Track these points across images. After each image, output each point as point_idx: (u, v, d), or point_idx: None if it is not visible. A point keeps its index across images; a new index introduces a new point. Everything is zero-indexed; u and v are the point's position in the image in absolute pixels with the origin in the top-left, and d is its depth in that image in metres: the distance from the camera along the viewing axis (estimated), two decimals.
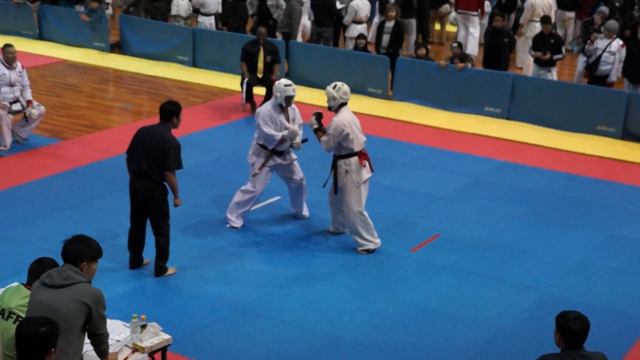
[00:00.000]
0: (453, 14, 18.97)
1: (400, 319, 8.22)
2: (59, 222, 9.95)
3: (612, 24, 14.55)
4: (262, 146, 9.83)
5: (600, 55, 14.37)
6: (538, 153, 13.05)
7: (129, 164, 8.65)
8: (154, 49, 17.51)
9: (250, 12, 17.87)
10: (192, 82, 16.20)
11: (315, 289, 8.74)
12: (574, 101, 14.09)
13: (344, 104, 9.37)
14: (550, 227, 10.35)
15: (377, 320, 8.18)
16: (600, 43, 14.43)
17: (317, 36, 16.94)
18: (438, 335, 7.95)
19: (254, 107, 14.34)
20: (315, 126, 9.61)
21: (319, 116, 9.68)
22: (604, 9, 16.14)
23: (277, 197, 10.80)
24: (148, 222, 8.73)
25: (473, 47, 17.85)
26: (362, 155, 9.38)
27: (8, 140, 12.11)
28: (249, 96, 14.45)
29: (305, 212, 10.32)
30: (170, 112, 8.54)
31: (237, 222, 9.98)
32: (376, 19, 18.70)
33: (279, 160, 9.93)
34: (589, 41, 14.70)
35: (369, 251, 9.49)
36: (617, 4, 16.83)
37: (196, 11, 17.78)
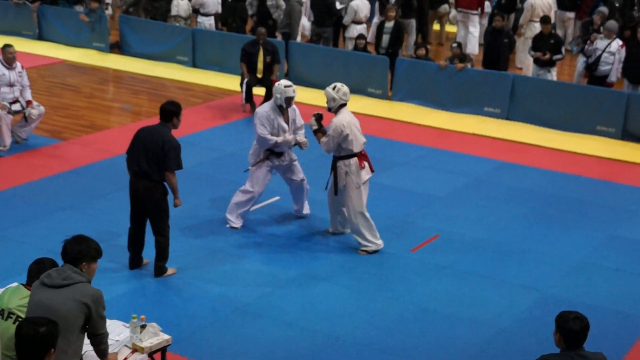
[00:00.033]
0: (453, 12, 18.97)
1: (400, 319, 8.22)
2: (58, 222, 9.95)
3: (612, 24, 14.56)
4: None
5: (600, 56, 14.38)
6: (538, 153, 13.05)
7: (129, 164, 8.65)
8: (154, 49, 17.51)
9: (250, 12, 17.87)
10: (192, 83, 16.19)
11: (315, 289, 8.73)
12: (574, 101, 14.09)
13: (344, 105, 9.36)
14: (550, 227, 10.35)
15: (377, 320, 8.18)
16: (600, 43, 14.44)
17: (317, 36, 16.94)
18: (438, 336, 7.95)
19: (253, 108, 14.34)
20: (315, 127, 9.61)
21: (318, 117, 9.68)
22: (604, 9, 16.14)
23: (277, 197, 10.80)
24: (148, 223, 8.73)
25: (473, 46, 17.85)
26: (361, 156, 9.38)
27: (8, 140, 12.10)
28: (249, 96, 14.45)
29: (306, 210, 10.32)
30: (170, 112, 8.54)
31: (237, 223, 9.98)
32: (375, 19, 18.69)
33: (277, 161, 9.93)
34: (588, 41, 14.70)
35: (369, 252, 9.49)
36: (617, 4, 16.84)
37: (196, 11, 17.77)
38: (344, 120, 9.24)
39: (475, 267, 9.29)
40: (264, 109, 9.82)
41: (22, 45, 16.59)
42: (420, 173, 12.04)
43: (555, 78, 15.01)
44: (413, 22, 18.05)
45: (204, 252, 9.43)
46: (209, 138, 13.13)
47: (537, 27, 16.13)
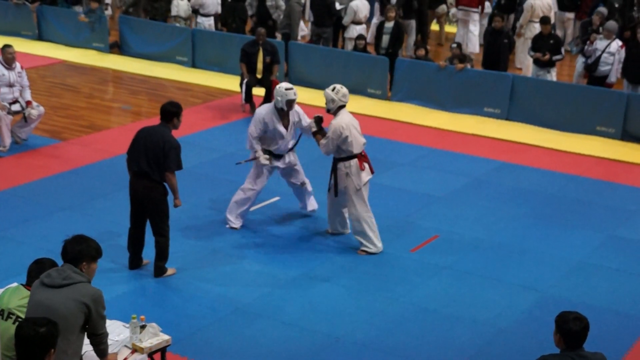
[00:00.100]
0: (453, 10, 18.98)
1: (399, 319, 8.22)
2: (58, 222, 9.95)
3: (612, 24, 14.56)
4: (262, 146, 9.87)
5: (600, 56, 14.38)
6: (537, 154, 13.06)
7: (129, 164, 8.66)
8: (153, 50, 17.50)
9: (250, 12, 17.87)
10: (192, 83, 16.19)
11: (315, 289, 8.73)
12: (574, 102, 14.10)
13: (343, 106, 9.36)
14: (550, 228, 10.35)
15: (377, 320, 8.18)
16: (600, 44, 14.44)
17: (317, 37, 16.95)
18: (438, 336, 7.95)
19: (253, 108, 14.34)
20: (314, 129, 9.61)
21: (318, 120, 9.68)
22: (603, 9, 16.14)
23: (277, 197, 10.80)
24: (148, 223, 8.73)
25: (474, 45, 17.84)
26: (361, 157, 9.37)
27: (7, 140, 12.10)
28: (249, 97, 14.45)
29: (311, 207, 10.32)
30: (171, 113, 8.54)
31: (236, 223, 9.98)
32: (375, 20, 18.70)
33: (276, 163, 9.93)
34: (588, 42, 14.71)
35: (369, 253, 9.49)
36: (616, 5, 16.84)
37: (195, 12, 17.77)
38: (343, 121, 9.23)
39: (475, 267, 9.29)
40: (262, 110, 9.82)
41: (21, 45, 16.59)
42: (420, 173, 12.04)
43: (555, 78, 15.01)
44: (413, 23, 18.05)
45: (204, 252, 9.43)
46: (209, 138, 13.14)
47: (536, 28, 16.13)
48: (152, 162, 8.42)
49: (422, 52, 15.49)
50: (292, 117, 9.82)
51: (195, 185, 11.02)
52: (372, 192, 9.77)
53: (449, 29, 20.30)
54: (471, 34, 17.87)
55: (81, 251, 5.60)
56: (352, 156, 9.32)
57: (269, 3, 17.32)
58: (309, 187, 10.23)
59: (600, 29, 14.81)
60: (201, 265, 9.10)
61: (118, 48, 18.10)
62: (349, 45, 16.88)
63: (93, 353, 5.84)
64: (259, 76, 14.32)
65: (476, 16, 17.91)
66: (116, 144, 12.30)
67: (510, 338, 7.98)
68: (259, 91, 14.49)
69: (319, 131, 9.60)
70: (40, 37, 18.82)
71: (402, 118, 14.47)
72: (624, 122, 13.74)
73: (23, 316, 5.65)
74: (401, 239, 9.88)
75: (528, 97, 14.39)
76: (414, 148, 13.06)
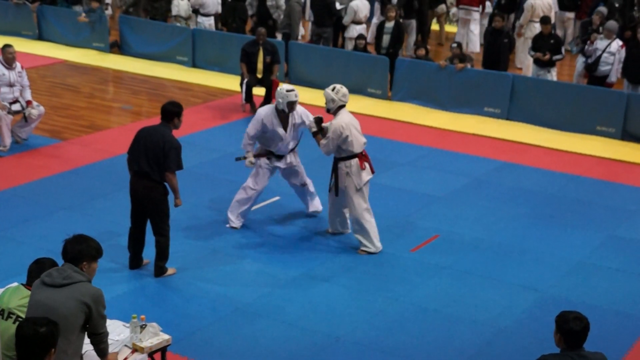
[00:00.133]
0: (454, 10, 18.96)
1: (399, 319, 8.22)
2: (59, 222, 9.95)
3: (612, 24, 14.56)
4: (263, 146, 9.88)
5: (600, 56, 14.38)
6: (538, 153, 13.06)
7: (129, 163, 8.66)
8: (154, 50, 17.51)
9: (250, 12, 17.88)
10: (192, 83, 16.20)
11: (315, 289, 8.73)
12: (574, 102, 14.10)
13: (343, 106, 9.36)
14: (550, 228, 10.35)
15: (377, 320, 8.18)
16: (600, 43, 14.44)
17: (317, 37, 16.95)
18: (438, 336, 7.95)
19: (253, 108, 14.36)
20: (314, 129, 9.61)
21: (318, 120, 9.68)
22: (603, 9, 16.14)
23: (277, 197, 10.81)
24: (148, 223, 8.73)
25: (474, 44, 17.84)
26: (362, 157, 9.37)
27: (8, 140, 12.10)
28: (249, 96, 14.46)
29: (313, 208, 10.30)
30: (171, 112, 8.54)
31: (237, 223, 9.98)
32: (375, 20, 18.71)
33: (276, 163, 9.94)
34: (588, 42, 14.71)
35: (369, 252, 9.49)
36: (617, 5, 16.84)
37: (195, 12, 17.77)
38: (343, 121, 9.23)
39: (475, 267, 9.29)
40: (263, 111, 9.83)
41: (21, 45, 16.60)
42: (420, 173, 12.04)
43: (555, 78, 15.01)
44: (413, 23, 18.05)
45: (204, 252, 9.43)
46: (209, 138, 13.14)
47: (537, 28, 16.13)
48: (153, 162, 8.42)
49: (422, 51, 15.49)
50: (293, 118, 9.81)
51: (195, 185, 11.03)
52: (372, 192, 9.77)
53: (449, 28, 20.30)
54: (472, 33, 17.87)
55: (81, 251, 5.60)
56: (353, 155, 9.32)
57: (269, 3, 17.33)
58: (311, 188, 10.23)
59: (601, 28, 14.81)
60: (201, 265, 9.10)
61: (118, 48, 18.10)
62: (349, 45, 16.88)
63: (93, 352, 5.84)
64: (259, 76, 14.33)
65: (477, 15, 17.91)
66: (116, 144, 12.30)
67: (510, 338, 7.98)
68: (259, 91, 14.49)
69: (319, 131, 9.60)
70: (40, 37, 18.83)
71: (402, 118, 14.48)
72: (624, 122, 13.74)
73: (23, 316, 5.65)
74: (401, 239, 9.88)
75: (528, 97, 14.39)
76: (414, 148, 13.06)
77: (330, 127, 9.29)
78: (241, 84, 14.48)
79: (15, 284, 6.18)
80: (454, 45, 15.35)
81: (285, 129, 9.78)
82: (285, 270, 9.08)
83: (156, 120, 8.75)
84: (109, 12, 18.65)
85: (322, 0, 16.74)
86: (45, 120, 13.06)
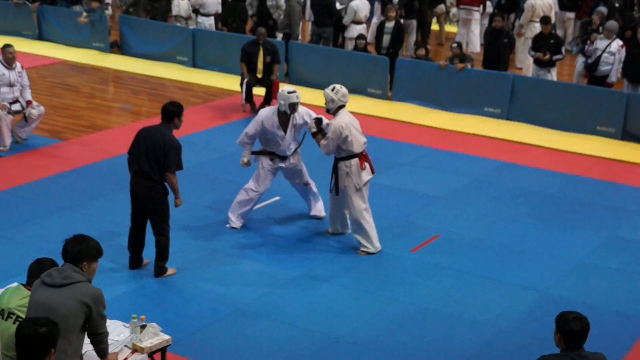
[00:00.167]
0: (454, 10, 18.94)
1: (399, 319, 8.21)
2: (59, 222, 9.95)
3: (612, 24, 14.56)
4: (264, 146, 9.88)
5: (600, 56, 14.38)
6: (538, 153, 13.06)
7: (130, 163, 8.66)
8: (154, 50, 17.51)
9: (250, 12, 17.88)
10: (192, 83, 16.20)
11: (315, 289, 8.73)
12: (574, 102, 14.10)
13: (342, 106, 9.36)
14: (550, 228, 10.35)
15: (377, 320, 8.18)
16: (600, 43, 14.44)
17: (317, 37, 16.95)
18: (438, 336, 7.95)
19: (253, 108, 14.37)
20: (314, 130, 9.62)
21: (318, 121, 9.68)
22: (602, 9, 16.14)
23: (277, 197, 10.80)
24: (148, 223, 8.73)
25: (475, 45, 17.83)
26: (362, 157, 9.38)
27: (8, 140, 12.10)
28: (249, 96, 14.46)
29: (315, 212, 10.27)
30: (172, 112, 8.54)
31: (237, 223, 9.98)
32: (375, 20, 18.71)
33: (280, 163, 9.94)
34: (588, 41, 14.71)
35: (369, 253, 9.49)
36: (617, 5, 16.84)
37: (196, 12, 17.78)
38: (343, 121, 9.23)
39: (475, 267, 9.29)
40: (263, 112, 9.83)
41: (22, 45, 16.60)
42: (420, 173, 12.04)
43: (555, 78, 15.01)
44: (414, 23, 18.06)
45: (204, 252, 9.43)
46: (209, 138, 13.14)
47: (537, 28, 16.13)
48: (153, 162, 8.42)
49: (422, 51, 15.49)
50: (295, 119, 9.81)
51: (195, 185, 11.02)
52: (372, 192, 9.77)
53: (449, 28, 20.30)
54: (472, 33, 17.87)
55: (81, 251, 5.60)
56: (353, 155, 9.32)
57: (269, 3, 17.34)
58: (314, 188, 10.21)
59: (601, 28, 14.81)
60: (201, 265, 9.10)
61: (118, 48, 18.10)
62: (349, 45, 16.88)
63: (93, 353, 5.84)
64: (259, 76, 14.33)
65: (477, 15, 17.92)
66: (116, 144, 12.30)
67: (510, 338, 7.98)
68: (259, 91, 14.49)
69: (319, 132, 9.61)
70: (40, 37, 18.83)
71: (402, 118, 14.48)
72: (624, 122, 13.74)
73: (23, 316, 5.65)
74: (401, 239, 9.88)
75: (528, 97, 14.39)
76: (414, 148, 13.06)
77: (329, 128, 9.29)
78: (241, 84, 14.48)
79: (15, 284, 6.18)
80: (454, 45, 15.35)
81: (285, 130, 9.77)
82: (285, 270, 9.08)
83: (156, 120, 8.75)
84: (109, 12, 18.65)
85: (322, 0, 16.74)
86: (45, 120, 13.06)
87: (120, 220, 9.58)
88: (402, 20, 16.98)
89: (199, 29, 17.36)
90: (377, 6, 18.79)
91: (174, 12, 17.71)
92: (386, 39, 15.88)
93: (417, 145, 13.17)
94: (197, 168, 11.66)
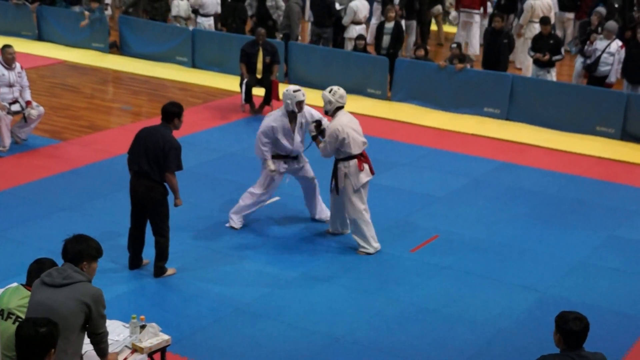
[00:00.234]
0: (454, 13, 18.93)
1: (399, 319, 8.21)
2: (58, 222, 9.95)
3: (612, 24, 14.56)
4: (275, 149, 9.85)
5: (600, 56, 14.38)
6: (537, 154, 13.06)
7: (129, 164, 8.67)
8: (153, 50, 17.51)
9: (250, 13, 17.88)
10: (192, 83, 16.20)
11: (315, 289, 8.73)
12: (573, 102, 14.10)
13: (341, 107, 9.36)
14: (550, 228, 10.35)
15: (377, 320, 8.18)
16: (600, 44, 14.44)
17: (317, 37, 16.95)
18: (437, 336, 7.95)
19: (253, 108, 14.38)
20: (314, 133, 9.62)
21: (318, 123, 9.68)
22: (601, 9, 16.14)
23: (277, 198, 10.80)
24: (148, 223, 8.73)
25: (475, 47, 17.83)
26: (361, 158, 9.37)
27: (7, 141, 12.10)
28: (248, 97, 14.46)
29: (321, 215, 10.21)
30: (172, 113, 8.55)
31: (237, 223, 9.97)
32: (374, 20, 18.71)
33: (294, 164, 9.91)
34: (588, 42, 14.71)
35: (368, 253, 9.49)
36: (616, 5, 16.84)
37: (195, 12, 17.78)
38: (340, 123, 9.23)
39: (475, 267, 9.29)
40: (270, 117, 9.72)
41: (21, 45, 16.59)
42: (420, 173, 12.04)
43: (554, 79, 15.01)
44: (414, 23, 18.06)
45: (204, 252, 9.43)
46: (209, 138, 13.13)
47: (536, 28, 16.14)
48: (153, 162, 8.42)
49: (421, 52, 15.48)
50: (300, 118, 9.79)
51: (195, 185, 11.02)
52: (372, 192, 9.77)
53: (449, 28, 20.30)
54: (472, 37, 17.86)
55: (81, 251, 5.60)
56: (352, 157, 9.32)
57: (269, 3, 17.34)
58: (315, 181, 10.17)
59: (600, 29, 14.82)
60: (201, 265, 9.10)
61: (117, 48, 18.10)
62: (349, 46, 16.88)
63: (93, 353, 5.84)
64: (258, 76, 14.33)
65: (478, 18, 17.92)
66: (116, 144, 12.30)
67: (510, 338, 7.98)
68: (258, 91, 14.49)
69: (319, 135, 9.61)
70: (40, 38, 18.84)
71: (402, 118, 14.48)
72: (623, 122, 13.75)
73: (23, 316, 5.65)
74: (401, 239, 9.88)
75: (528, 97, 14.39)
76: (414, 148, 13.06)
77: (327, 131, 9.30)
78: (241, 85, 14.48)
79: (15, 284, 6.18)
80: (454, 45, 15.36)
81: (294, 130, 9.76)
82: (285, 270, 9.08)
83: (156, 120, 8.75)
84: (108, 12, 18.65)
85: (321, 0, 16.75)
86: (45, 120, 13.06)
87: (120, 220, 9.58)
88: (402, 21, 16.97)
89: (198, 30, 17.36)
90: (377, 7, 18.80)
91: (174, 12, 17.71)
92: (386, 39, 15.88)
93: (417, 146, 13.17)
94: (197, 168, 11.66)
